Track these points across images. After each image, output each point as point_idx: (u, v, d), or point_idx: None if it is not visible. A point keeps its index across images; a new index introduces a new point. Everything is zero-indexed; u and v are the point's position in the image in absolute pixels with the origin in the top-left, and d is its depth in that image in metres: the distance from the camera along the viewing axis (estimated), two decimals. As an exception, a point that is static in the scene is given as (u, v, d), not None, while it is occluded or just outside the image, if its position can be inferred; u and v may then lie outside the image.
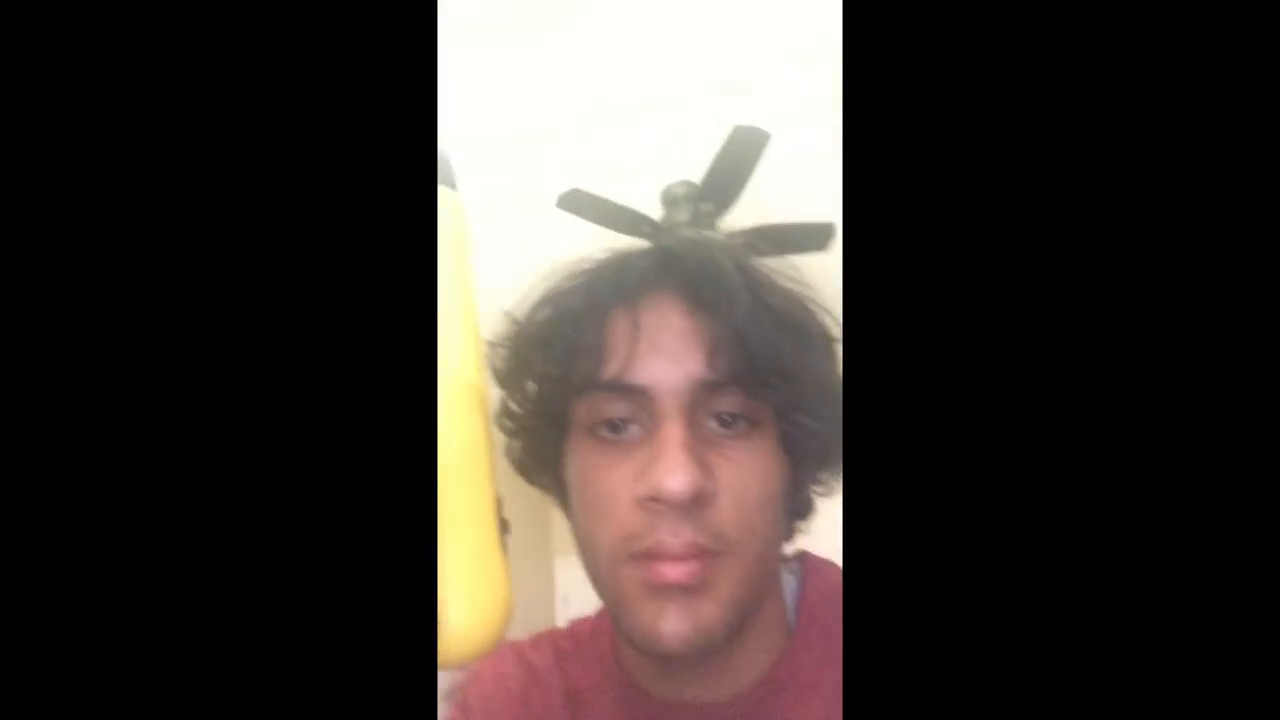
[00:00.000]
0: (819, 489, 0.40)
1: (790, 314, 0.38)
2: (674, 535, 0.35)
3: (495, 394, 0.43)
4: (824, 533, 0.46)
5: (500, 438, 0.45)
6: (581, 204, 1.77)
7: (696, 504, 0.35)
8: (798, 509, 0.42)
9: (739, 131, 1.70)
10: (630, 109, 1.76)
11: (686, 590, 0.35)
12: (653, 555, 0.36)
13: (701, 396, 0.37)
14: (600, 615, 0.48)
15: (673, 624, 0.35)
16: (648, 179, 1.91)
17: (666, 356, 0.37)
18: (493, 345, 0.43)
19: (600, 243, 0.41)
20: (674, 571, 0.35)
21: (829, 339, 0.40)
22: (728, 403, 0.37)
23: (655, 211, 2.08)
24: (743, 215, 1.84)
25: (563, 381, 0.39)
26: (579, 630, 0.49)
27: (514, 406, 0.44)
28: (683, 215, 1.93)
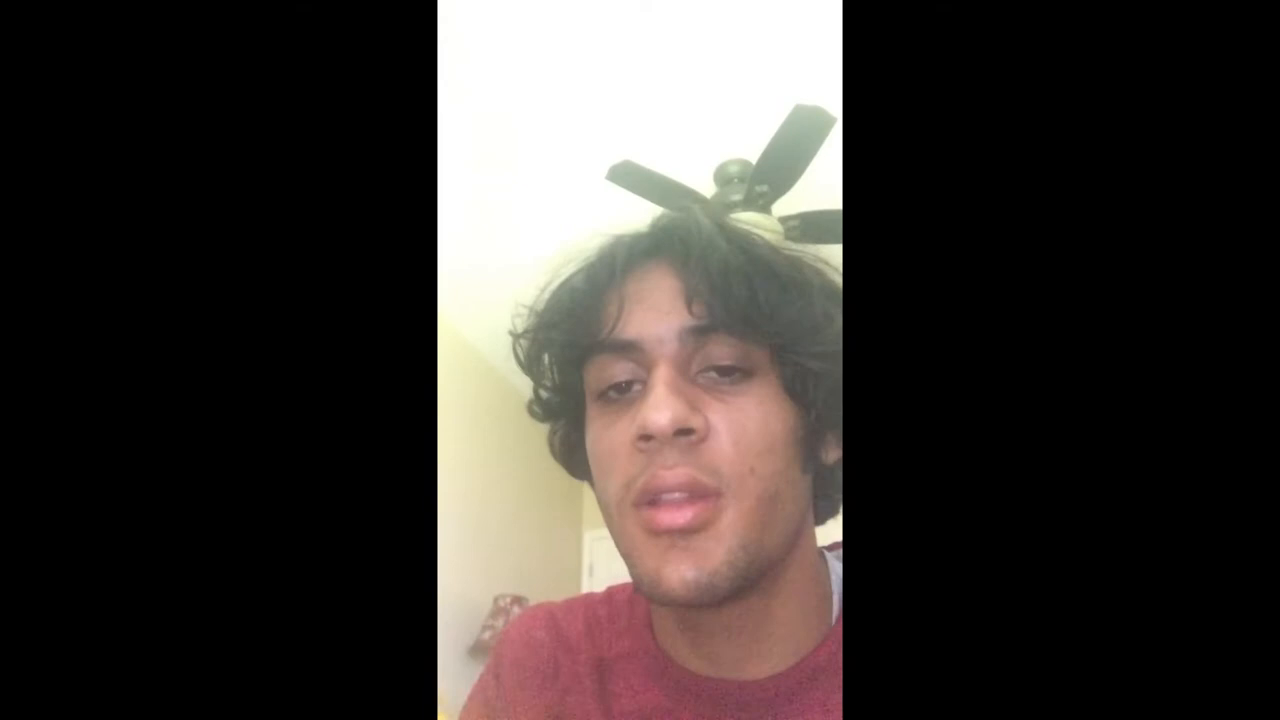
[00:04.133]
0: (839, 437, 0.41)
1: (775, 263, 0.40)
2: (667, 468, 0.36)
3: (525, 385, 0.46)
4: (825, 533, 0.46)
5: (538, 429, 0.47)
6: (632, 177, 1.76)
7: (690, 441, 0.36)
8: (831, 490, 0.42)
9: (800, 111, 1.66)
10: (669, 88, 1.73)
11: (687, 533, 0.35)
12: (651, 497, 0.36)
13: (691, 345, 0.38)
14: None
15: (674, 567, 0.35)
16: (699, 156, 1.87)
17: (654, 310, 0.39)
18: (516, 338, 0.45)
19: (596, 229, 0.44)
20: (671, 516, 0.35)
21: (827, 285, 0.41)
22: (720, 352, 0.38)
23: (707, 188, 2.04)
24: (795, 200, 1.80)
25: (572, 350, 0.41)
26: (615, 597, 0.49)
27: (542, 393, 0.45)
28: (735, 194, 1.90)
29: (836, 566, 0.44)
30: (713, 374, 0.38)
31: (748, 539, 0.36)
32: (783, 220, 1.81)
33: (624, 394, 0.39)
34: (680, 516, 0.35)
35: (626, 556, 0.38)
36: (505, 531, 2.73)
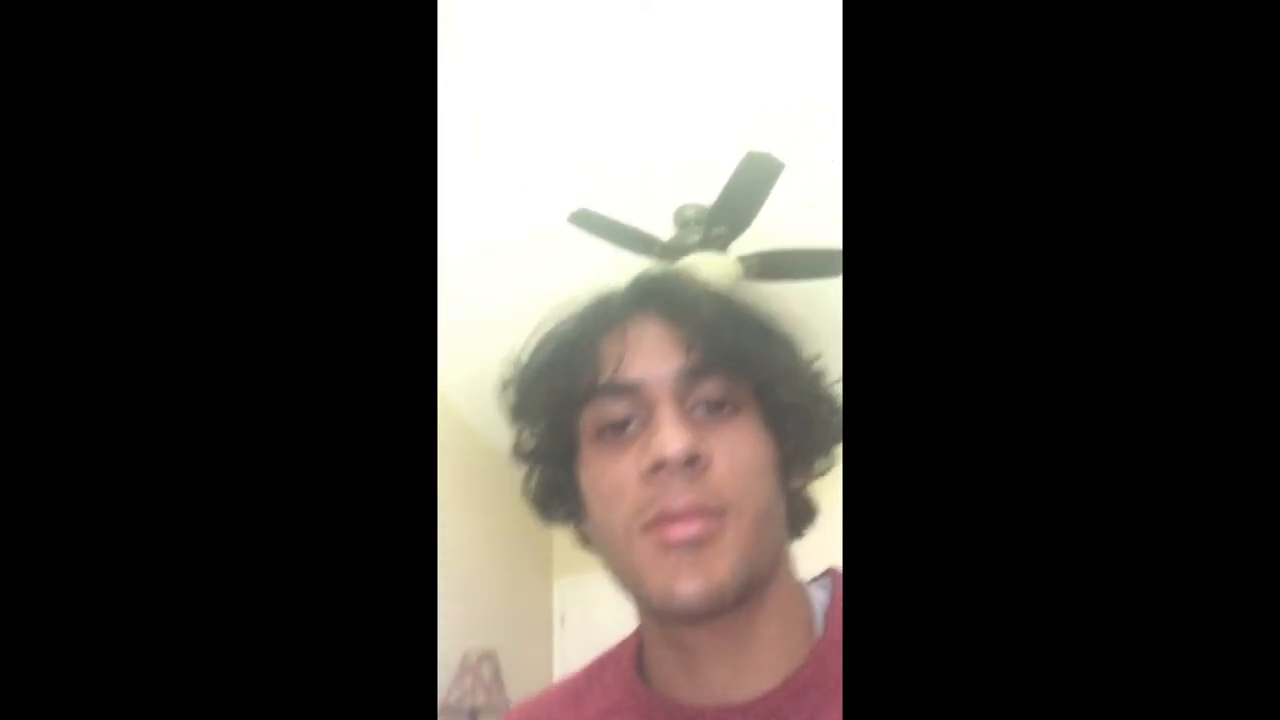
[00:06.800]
0: (814, 463, 0.47)
1: (750, 315, 0.47)
2: (677, 497, 0.40)
3: (509, 432, 0.49)
4: (825, 536, 0.49)
5: (517, 477, 0.50)
6: (592, 223, 1.79)
7: (694, 468, 0.40)
8: (797, 514, 0.47)
9: (752, 158, 1.72)
10: (641, 130, 1.76)
11: (695, 547, 0.40)
12: (661, 520, 0.40)
13: (686, 384, 0.43)
14: (621, 645, 0.51)
15: (686, 580, 0.40)
16: (661, 200, 1.90)
17: (652, 356, 0.44)
18: (504, 385, 0.48)
19: (584, 284, 0.49)
20: (681, 530, 0.40)
21: (786, 331, 0.48)
22: (710, 388, 0.43)
23: (666, 232, 2.08)
24: (754, 240, 1.84)
25: (568, 396, 0.45)
26: (592, 667, 0.52)
27: (527, 441, 0.49)
28: (694, 237, 1.93)
29: (820, 595, 0.47)
30: (703, 409, 0.43)
31: (746, 552, 0.41)
32: (742, 259, 1.84)
33: (622, 432, 0.43)
34: (690, 528, 0.40)
35: (635, 576, 0.42)
36: (470, 582, 2.66)
